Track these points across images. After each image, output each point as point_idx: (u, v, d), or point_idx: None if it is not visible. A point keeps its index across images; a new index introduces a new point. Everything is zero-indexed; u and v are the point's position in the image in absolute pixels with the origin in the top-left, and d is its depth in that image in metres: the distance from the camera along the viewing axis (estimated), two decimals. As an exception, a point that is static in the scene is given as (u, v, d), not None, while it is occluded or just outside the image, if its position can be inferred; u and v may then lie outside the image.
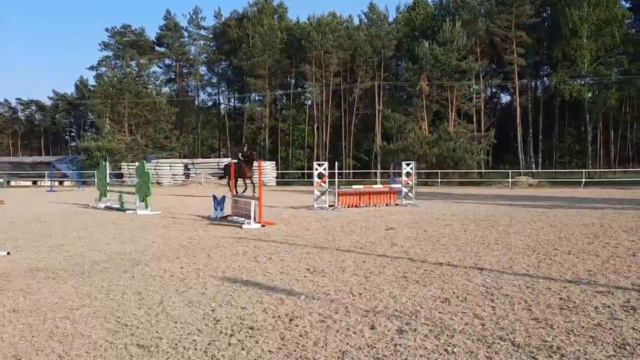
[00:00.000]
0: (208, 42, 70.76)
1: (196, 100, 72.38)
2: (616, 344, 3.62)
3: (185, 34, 69.68)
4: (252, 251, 7.97)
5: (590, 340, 3.70)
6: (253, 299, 5.02)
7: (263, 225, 11.41)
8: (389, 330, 4.01)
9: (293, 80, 65.64)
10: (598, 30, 52.30)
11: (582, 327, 4.00)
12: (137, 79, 58.36)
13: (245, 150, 17.85)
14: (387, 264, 6.75)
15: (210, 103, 75.24)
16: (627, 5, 58.43)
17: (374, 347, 3.65)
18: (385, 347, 3.66)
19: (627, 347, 3.55)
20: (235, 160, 16.63)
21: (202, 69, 71.33)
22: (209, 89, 74.12)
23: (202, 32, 70.03)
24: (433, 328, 4.04)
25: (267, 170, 43.21)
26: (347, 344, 3.74)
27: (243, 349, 3.67)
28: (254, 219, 11.51)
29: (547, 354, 3.46)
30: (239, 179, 16.72)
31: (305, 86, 63.12)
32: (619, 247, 7.97)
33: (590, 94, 54.16)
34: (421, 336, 3.86)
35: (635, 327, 3.97)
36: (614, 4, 52.92)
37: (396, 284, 5.62)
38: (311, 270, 6.41)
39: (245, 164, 16.48)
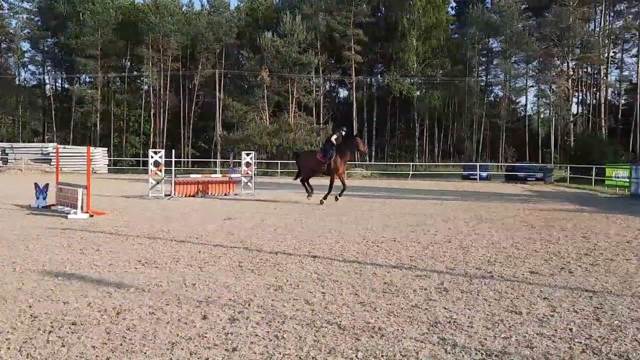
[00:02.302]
0: (32, 17, 64.70)
1: (17, 79, 65.79)
2: (429, 323, 3.93)
3: (5, 5, 63.07)
4: (78, 243, 7.46)
5: (408, 320, 3.99)
6: (77, 293, 4.71)
7: (91, 215, 10.73)
8: (221, 320, 3.99)
9: (128, 63, 62.46)
10: (426, 34, 56.58)
11: (402, 309, 4.31)
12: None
13: (341, 131, 14.35)
14: (223, 254, 6.71)
15: (33, 83, 68.89)
16: (452, 12, 63.91)
17: (205, 337, 3.61)
18: (217, 336, 3.64)
19: (439, 325, 3.89)
20: (313, 148, 14.21)
21: (25, 45, 65.16)
22: (32, 68, 67.88)
23: (26, 4, 63.89)
24: (265, 315, 4.10)
25: (98, 157, 40.75)
26: (178, 335, 3.65)
27: (64, 346, 3.43)
28: (81, 209, 10.78)
29: (370, 335, 3.67)
30: (313, 176, 14.16)
31: (142, 70, 60.32)
32: (437, 235, 8.70)
33: (418, 93, 58.52)
34: (253, 324, 3.89)
35: (446, 307, 4.35)
36: (440, 10, 57.53)
37: (231, 273, 5.60)
38: (143, 261, 6.16)
39: (338, 153, 13.67)
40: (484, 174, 37.60)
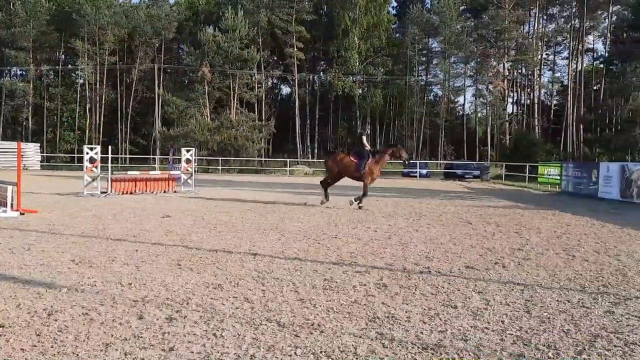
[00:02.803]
0: (-43, 5, 61.32)
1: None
2: (368, 318, 3.97)
3: None
4: (6, 242, 7.13)
5: (347, 316, 4.01)
6: (5, 294, 4.49)
7: (22, 214, 10.27)
8: (157, 319, 3.89)
9: (63, 56, 60.19)
10: (368, 33, 57.18)
11: (341, 305, 4.32)
12: None
13: (367, 132, 13.64)
14: (161, 253, 6.56)
15: (-41, 75, 65.28)
16: (394, 12, 64.88)
17: (141, 337, 3.52)
18: (153, 336, 3.55)
19: (377, 320, 3.92)
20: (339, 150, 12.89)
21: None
22: (-44, 59, 64.30)
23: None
24: (204, 314, 4.03)
25: (30, 153, 39.15)
26: (112, 335, 3.54)
27: (-11, 351, 3.27)
28: (11, 207, 10.31)
29: (309, 331, 3.67)
30: (337, 179, 13.32)
31: (77, 63, 58.16)
32: (377, 231, 8.80)
33: (360, 91, 59.09)
34: (191, 322, 3.82)
35: (385, 302, 4.40)
36: (381, 9, 58.28)
37: (169, 272, 5.49)
38: (77, 261, 5.95)
39: (374, 155, 13.03)
40: (424, 171, 38.40)
